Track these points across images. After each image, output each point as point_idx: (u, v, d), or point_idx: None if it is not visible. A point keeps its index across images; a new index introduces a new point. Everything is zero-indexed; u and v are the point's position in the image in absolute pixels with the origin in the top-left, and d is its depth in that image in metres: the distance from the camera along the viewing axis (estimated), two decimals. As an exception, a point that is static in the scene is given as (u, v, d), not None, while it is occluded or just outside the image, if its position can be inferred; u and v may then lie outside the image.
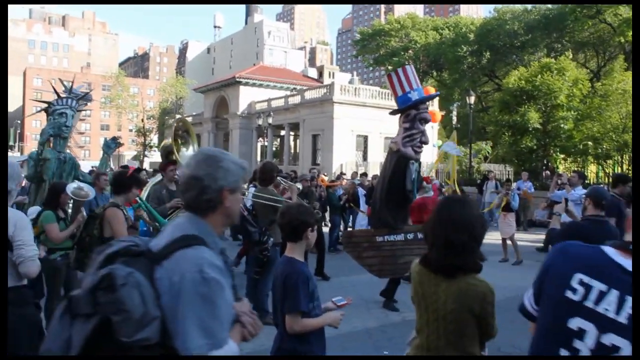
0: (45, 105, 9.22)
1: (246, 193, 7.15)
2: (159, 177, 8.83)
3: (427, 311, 2.60)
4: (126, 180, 5.19)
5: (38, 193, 8.71)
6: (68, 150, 9.55)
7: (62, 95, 9.12)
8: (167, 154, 8.93)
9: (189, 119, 52.70)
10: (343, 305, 3.31)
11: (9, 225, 3.27)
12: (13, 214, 3.39)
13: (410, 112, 6.89)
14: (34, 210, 6.63)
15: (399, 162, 6.84)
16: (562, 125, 22.89)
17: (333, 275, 9.82)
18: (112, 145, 9.63)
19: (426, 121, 7.07)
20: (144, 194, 7.94)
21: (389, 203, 6.99)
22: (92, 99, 10.50)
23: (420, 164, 7.05)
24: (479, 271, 2.55)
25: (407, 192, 6.87)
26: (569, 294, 1.67)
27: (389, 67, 49.45)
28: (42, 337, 3.55)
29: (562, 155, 23.64)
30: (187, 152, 8.68)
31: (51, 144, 9.09)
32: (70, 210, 6.64)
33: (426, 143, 7.04)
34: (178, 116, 54.00)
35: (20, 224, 3.32)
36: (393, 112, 7.28)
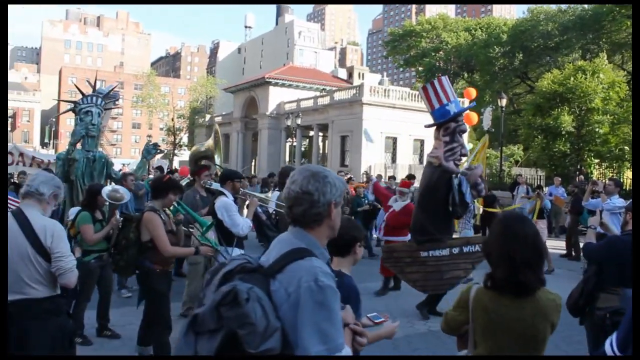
0: (72, 105, 9.29)
1: (269, 197, 7.11)
2: (185, 180, 8.76)
3: (508, 336, 2.55)
4: (163, 185, 5.19)
5: (72, 193, 8.76)
6: (101, 149, 9.58)
7: (87, 94, 9.17)
8: (197, 160, 8.89)
9: (219, 119, 53.20)
10: (380, 322, 3.13)
11: (47, 236, 3.27)
12: (50, 223, 3.39)
13: (449, 125, 6.72)
14: (74, 210, 6.71)
15: (441, 177, 6.69)
16: (597, 130, 22.27)
17: (357, 281, 9.67)
18: (152, 151, 9.65)
19: (464, 132, 6.95)
20: None
21: (430, 215, 6.86)
22: (119, 97, 10.55)
23: (462, 176, 6.88)
24: (545, 284, 2.60)
25: (455, 207, 6.73)
26: None
27: (419, 69, 49.06)
28: (73, 346, 3.55)
29: (597, 160, 23.03)
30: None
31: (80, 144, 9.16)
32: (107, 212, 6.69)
33: (466, 155, 6.92)
34: (208, 116, 54.46)
35: (57, 234, 3.34)
36: (430, 126, 7.12)
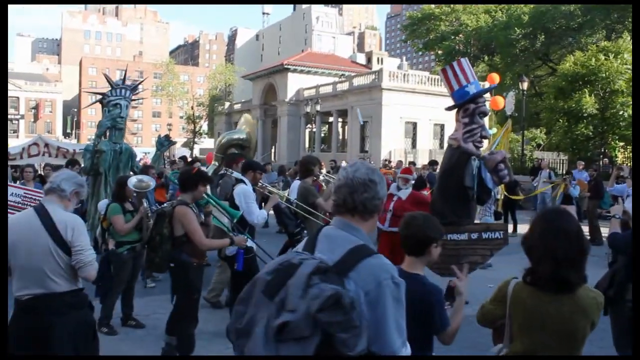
0: (100, 97, 9.30)
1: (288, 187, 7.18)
2: (212, 167, 8.76)
3: (545, 333, 2.52)
4: (192, 178, 5.05)
5: (94, 186, 8.82)
6: (125, 141, 9.64)
7: (116, 86, 9.17)
8: (228, 147, 8.87)
9: (238, 106, 53.28)
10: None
11: (67, 230, 3.30)
12: (70, 218, 3.41)
13: (469, 106, 6.59)
14: (104, 204, 6.83)
15: (460, 158, 6.58)
16: (621, 113, 21.68)
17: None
18: (165, 143, 9.66)
19: (485, 114, 6.79)
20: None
21: (448, 199, 6.76)
22: (137, 89, 10.63)
23: (481, 160, 6.76)
24: (587, 281, 2.57)
25: (467, 189, 6.62)
26: None
27: (439, 52, 48.48)
28: (96, 338, 3.58)
29: (622, 144, 22.49)
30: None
31: (106, 136, 9.18)
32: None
33: (487, 137, 6.75)
34: (227, 104, 54.47)
35: (77, 228, 3.36)
36: (450, 108, 7.02)
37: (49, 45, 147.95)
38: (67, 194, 3.44)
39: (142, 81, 10.45)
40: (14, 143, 18.55)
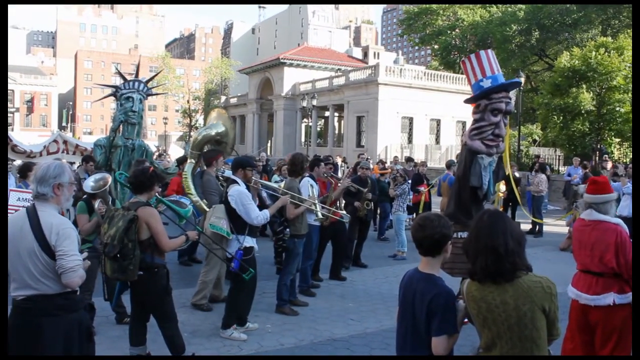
0: (113, 90, 8.99)
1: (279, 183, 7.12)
2: (189, 165, 8.32)
3: (496, 324, 2.64)
4: (150, 178, 4.77)
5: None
6: (142, 138, 9.24)
7: (129, 79, 8.86)
8: (203, 145, 8.62)
9: (234, 100, 53.13)
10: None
11: (52, 233, 3.21)
12: (58, 221, 3.30)
13: (480, 102, 6.41)
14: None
15: (467, 156, 6.43)
16: (617, 109, 21.64)
17: (377, 265, 9.72)
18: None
19: (500, 111, 6.42)
20: (189, 182, 7.68)
21: (458, 199, 6.56)
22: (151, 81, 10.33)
23: (500, 157, 6.49)
24: (531, 270, 2.68)
25: (475, 189, 6.44)
26: None
27: (435, 47, 48.43)
28: (91, 341, 3.53)
29: (618, 140, 22.49)
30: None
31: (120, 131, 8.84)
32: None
33: (501, 136, 6.44)
34: (223, 98, 54.32)
35: (63, 232, 3.25)
36: (467, 101, 6.78)
37: (44, 37, 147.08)
38: (48, 195, 3.33)
39: (157, 74, 10.16)
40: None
